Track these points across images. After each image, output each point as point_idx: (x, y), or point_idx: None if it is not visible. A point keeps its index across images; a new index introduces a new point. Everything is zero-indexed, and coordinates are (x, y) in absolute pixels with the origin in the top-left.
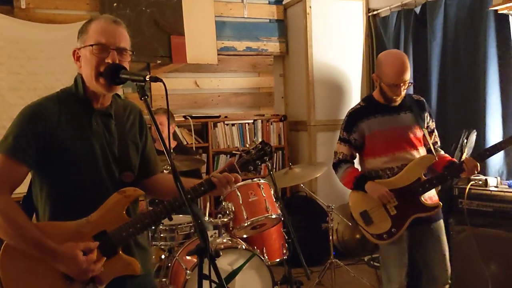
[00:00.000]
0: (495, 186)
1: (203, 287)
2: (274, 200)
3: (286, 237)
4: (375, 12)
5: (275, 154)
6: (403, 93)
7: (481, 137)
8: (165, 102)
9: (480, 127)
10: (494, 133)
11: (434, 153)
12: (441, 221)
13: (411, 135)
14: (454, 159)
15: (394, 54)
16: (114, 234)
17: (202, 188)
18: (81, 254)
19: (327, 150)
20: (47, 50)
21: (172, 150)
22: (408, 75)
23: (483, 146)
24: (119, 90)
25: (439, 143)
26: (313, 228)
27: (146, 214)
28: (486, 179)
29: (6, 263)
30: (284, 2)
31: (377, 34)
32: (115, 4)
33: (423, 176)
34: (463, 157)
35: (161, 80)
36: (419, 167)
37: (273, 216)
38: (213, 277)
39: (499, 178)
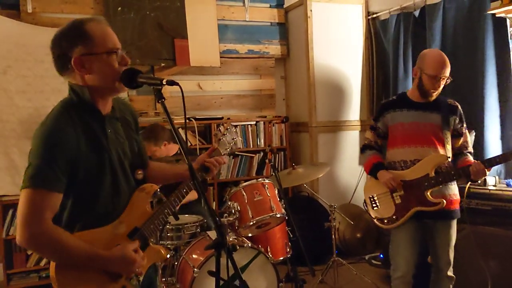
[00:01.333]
0: (493, 185)
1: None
2: (278, 199)
3: (291, 235)
4: (374, 15)
5: (277, 155)
6: (440, 89)
7: (480, 138)
8: (167, 105)
9: (479, 127)
10: (492, 134)
11: (460, 156)
12: (455, 221)
13: (432, 134)
14: (474, 162)
15: (437, 51)
16: (144, 228)
17: (200, 174)
18: (133, 253)
19: (328, 151)
20: None
21: (177, 153)
22: (448, 71)
23: (481, 146)
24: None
25: (469, 148)
26: (315, 227)
27: (164, 205)
28: (485, 179)
29: (61, 276)
30: (285, 6)
31: (377, 37)
32: (119, 8)
33: (433, 173)
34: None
35: (177, 84)
36: (429, 164)
37: (278, 215)
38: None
39: (497, 177)
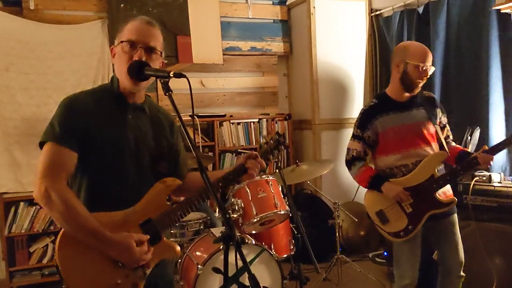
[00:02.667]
0: (498, 182)
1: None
2: (282, 196)
3: (296, 232)
4: (378, 12)
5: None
6: (425, 79)
7: (485, 134)
8: (167, 102)
9: (483, 124)
10: (497, 130)
11: (446, 146)
12: (455, 215)
13: (424, 131)
14: (466, 149)
15: (417, 42)
16: (158, 221)
17: (231, 177)
18: (135, 244)
19: (331, 148)
20: (56, 50)
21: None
22: (431, 59)
23: (486, 142)
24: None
25: (451, 136)
26: (318, 225)
27: (184, 201)
28: (490, 175)
29: (63, 251)
30: (288, 3)
31: (380, 34)
32: (122, 5)
33: (437, 173)
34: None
35: (185, 76)
36: (432, 164)
37: (282, 212)
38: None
39: (502, 174)
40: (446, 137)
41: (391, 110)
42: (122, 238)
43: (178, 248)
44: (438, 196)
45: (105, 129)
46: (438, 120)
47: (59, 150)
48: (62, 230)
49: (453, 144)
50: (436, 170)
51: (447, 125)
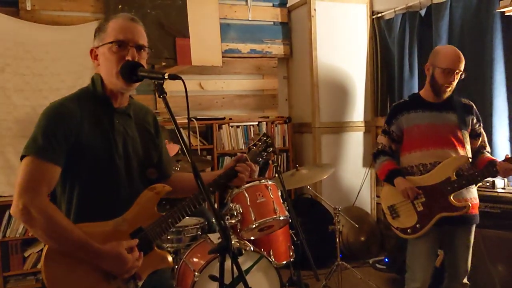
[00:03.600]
0: (502, 188)
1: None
2: (282, 201)
3: (295, 239)
4: (379, 15)
5: (280, 156)
6: (454, 83)
7: (488, 139)
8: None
9: (487, 128)
10: (501, 134)
11: (478, 155)
12: (474, 226)
13: (450, 134)
14: (495, 159)
15: (451, 46)
16: (149, 230)
17: (222, 181)
18: (126, 252)
19: (331, 152)
20: (52, 52)
21: (177, 153)
22: (463, 65)
23: (490, 146)
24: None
25: (487, 147)
26: (318, 230)
27: (175, 209)
28: (493, 181)
29: (49, 266)
30: (288, 5)
31: (381, 36)
32: (120, 6)
33: (454, 176)
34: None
35: (180, 78)
36: (450, 167)
37: (281, 218)
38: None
39: (506, 180)
40: (481, 147)
41: (419, 108)
42: (111, 248)
43: (170, 258)
44: (452, 200)
45: (94, 136)
46: (469, 128)
47: (40, 165)
48: (47, 246)
49: (487, 154)
50: (453, 173)
51: (483, 136)
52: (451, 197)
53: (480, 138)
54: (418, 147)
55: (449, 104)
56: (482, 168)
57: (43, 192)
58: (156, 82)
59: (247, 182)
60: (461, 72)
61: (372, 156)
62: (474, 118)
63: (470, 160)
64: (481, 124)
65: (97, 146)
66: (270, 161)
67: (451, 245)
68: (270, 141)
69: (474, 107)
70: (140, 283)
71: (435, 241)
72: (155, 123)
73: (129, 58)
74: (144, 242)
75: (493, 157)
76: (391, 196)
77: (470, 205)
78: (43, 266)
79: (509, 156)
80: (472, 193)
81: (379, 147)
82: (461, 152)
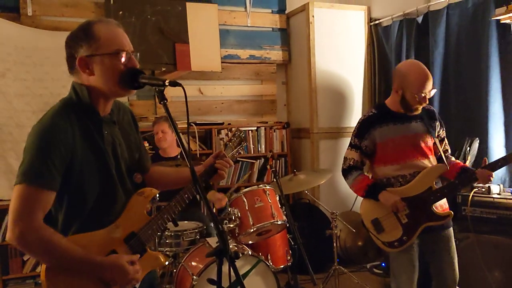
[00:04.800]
0: (498, 194)
1: None
2: (280, 206)
3: (292, 243)
4: (377, 22)
5: (278, 161)
6: (424, 104)
7: (484, 145)
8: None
9: (483, 135)
10: (497, 141)
11: (445, 160)
12: (451, 229)
13: (422, 144)
14: (467, 165)
15: (416, 64)
16: (142, 234)
17: (203, 178)
18: (127, 264)
19: (329, 158)
20: (53, 57)
21: (178, 156)
22: (431, 84)
23: (485, 153)
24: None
25: (449, 150)
26: (315, 235)
27: (164, 210)
28: (489, 187)
29: (51, 281)
30: (287, 11)
31: (379, 43)
32: (120, 12)
33: (435, 185)
34: (466, 164)
35: (180, 85)
36: (430, 176)
37: (279, 222)
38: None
39: (502, 185)
40: (445, 151)
41: (390, 121)
42: (113, 260)
43: (163, 257)
44: (435, 209)
45: (87, 151)
46: (436, 133)
47: (35, 192)
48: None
49: (453, 159)
50: (434, 183)
51: (446, 139)
52: (433, 207)
53: (444, 142)
54: (395, 160)
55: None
56: (461, 176)
57: (38, 218)
58: (157, 89)
59: (245, 187)
60: (431, 89)
61: (343, 173)
62: (438, 123)
63: (448, 167)
64: (444, 128)
65: (91, 161)
66: (269, 166)
67: (433, 253)
68: (243, 135)
69: (436, 111)
70: (137, 285)
71: (417, 250)
72: (133, 118)
73: (130, 65)
74: (138, 245)
75: (460, 162)
76: (373, 210)
77: (452, 213)
78: (46, 282)
79: (487, 161)
80: (443, 199)
81: (351, 162)
82: (432, 159)
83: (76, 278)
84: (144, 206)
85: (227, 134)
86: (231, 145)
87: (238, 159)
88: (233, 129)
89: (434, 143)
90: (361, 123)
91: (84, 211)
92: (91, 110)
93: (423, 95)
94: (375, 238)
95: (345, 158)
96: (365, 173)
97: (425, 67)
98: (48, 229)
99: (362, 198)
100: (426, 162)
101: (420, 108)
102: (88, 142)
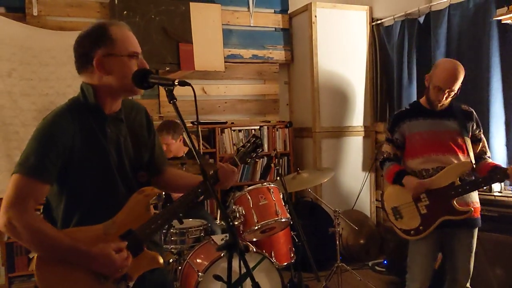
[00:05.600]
0: (499, 192)
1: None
2: (283, 204)
3: (296, 240)
4: (379, 22)
5: (281, 160)
6: (446, 101)
7: None
8: (171, 108)
9: (484, 134)
10: (498, 141)
11: (480, 160)
12: (476, 229)
13: (450, 141)
14: (498, 164)
15: (451, 62)
16: (139, 232)
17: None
18: (114, 253)
19: (331, 156)
20: (58, 57)
21: (184, 155)
22: (457, 86)
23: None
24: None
25: (488, 153)
26: (318, 232)
27: (165, 210)
28: (490, 185)
29: (42, 271)
30: (289, 11)
31: (381, 43)
32: (125, 12)
33: (458, 181)
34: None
35: (189, 84)
36: (454, 172)
37: (283, 220)
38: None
39: (503, 183)
40: (482, 153)
41: (420, 116)
42: (99, 250)
43: (161, 259)
44: (455, 204)
45: (87, 149)
46: (470, 134)
47: (29, 183)
48: (37, 254)
49: (489, 160)
50: (457, 179)
51: (484, 142)
52: (454, 202)
53: (481, 144)
54: (420, 153)
55: (449, 111)
56: (486, 174)
57: (30, 208)
58: (166, 89)
59: (249, 186)
60: (454, 92)
61: (379, 164)
62: (474, 124)
63: (474, 166)
64: (481, 130)
65: (91, 158)
66: (272, 165)
67: (452, 248)
68: (259, 142)
69: (474, 113)
70: (131, 284)
71: (436, 243)
72: (147, 120)
73: (140, 66)
74: (134, 243)
75: (495, 163)
76: (395, 197)
77: (473, 209)
78: (36, 272)
79: None
80: (474, 197)
81: (385, 155)
82: (462, 157)
83: (68, 269)
84: (143, 204)
85: (242, 139)
86: (243, 150)
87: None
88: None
89: (465, 144)
90: (393, 117)
91: (83, 205)
92: (96, 109)
93: (441, 91)
94: (392, 224)
95: (382, 152)
96: (398, 164)
97: (459, 68)
98: (37, 218)
99: (389, 185)
100: (452, 158)
101: (440, 106)
102: (90, 140)
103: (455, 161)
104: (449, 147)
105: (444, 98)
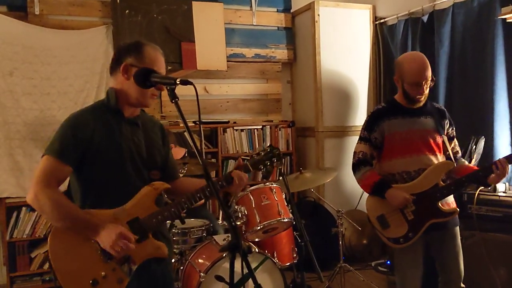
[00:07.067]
0: (503, 192)
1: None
2: (286, 204)
3: (299, 240)
4: (382, 21)
5: (283, 159)
6: (427, 91)
7: (489, 144)
8: (173, 108)
9: (488, 133)
10: (502, 139)
11: (455, 161)
12: (458, 227)
13: (431, 140)
14: (478, 168)
15: (412, 54)
16: (145, 220)
17: (220, 183)
18: (117, 233)
19: (334, 156)
20: (60, 56)
21: (184, 156)
22: (429, 72)
23: (491, 152)
24: None
25: (460, 152)
26: (321, 233)
27: (172, 204)
28: (494, 185)
29: (55, 241)
30: (292, 10)
31: (384, 42)
32: (127, 11)
33: (441, 182)
34: (472, 163)
35: (191, 83)
36: (437, 173)
37: (285, 220)
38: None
39: (507, 183)
40: (456, 152)
41: (399, 114)
42: (110, 224)
43: (166, 248)
44: (441, 206)
45: (105, 142)
46: (445, 131)
47: (54, 163)
48: (53, 227)
49: (466, 162)
50: (440, 180)
51: (456, 140)
52: (439, 203)
53: (454, 141)
54: (399, 154)
55: (425, 109)
56: (470, 174)
57: (53, 185)
58: (168, 88)
59: (251, 185)
60: (429, 80)
61: (353, 167)
62: (448, 121)
63: (455, 164)
64: (454, 128)
65: (107, 150)
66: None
67: (440, 250)
68: (277, 152)
69: (446, 111)
70: (134, 267)
71: (423, 248)
72: (162, 134)
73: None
74: (139, 230)
75: (473, 166)
76: (379, 206)
77: (458, 210)
78: (50, 240)
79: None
80: (451, 197)
81: (360, 156)
82: (440, 156)
83: (78, 244)
84: (153, 196)
85: (258, 148)
86: (257, 158)
87: (243, 157)
88: (264, 144)
89: (443, 142)
90: (370, 116)
91: (97, 191)
92: (116, 111)
93: (419, 85)
94: (380, 234)
95: (354, 153)
96: (374, 170)
97: (422, 56)
98: (59, 192)
99: (368, 194)
100: (433, 158)
101: (423, 98)
102: (107, 135)
103: (435, 161)
104: (430, 146)
105: (425, 90)
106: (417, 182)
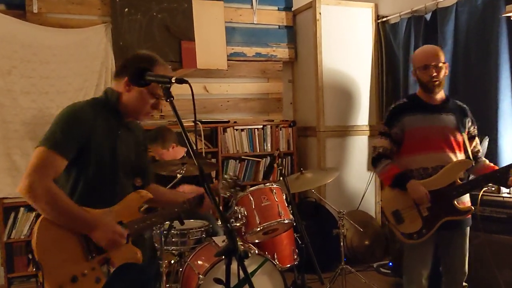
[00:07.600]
0: (508, 193)
1: None
2: (286, 205)
3: (300, 242)
4: (384, 19)
5: (284, 159)
6: (441, 76)
7: (493, 144)
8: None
9: (492, 133)
10: (506, 139)
11: (474, 160)
12: (469, 228)
13: (451, 137)
14: (497, 167)
15: (427, 45)
16: (128, 225)
17: (194, 201)
18: (112, 231)
19: (336, 156)
20: (59, 54)
21: (185, 155)
22: (441, 58)
23: (495, 152)
24: None
25: (481, 151)
26: (322, 234)
27: (154, 214)
28: (499, 186)
29: (42, 232)
30: (293, 9)
31: (387, 40)
32: (126, 9)
33: (459, 180)
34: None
35: (187, 82)
36: (455, 171)
37: (286, 221)
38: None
39: None
40: (476, 151)
41: (419, 110)
42: (106, 220)
43: (140, 254)
44: (456, 204)
45: (102, 139)
46: (466, 130)
47: (52, 155)
48: (42, 217)
49: (487, 162)
50: (458, 178)
51: (477, 138)
52: (455, 201)
53: (475, 140)
54: (418, 150)
55: (447, 105)
56: (487, 173)
57: (50, 175)
58: (163, 86)
59: (251, 186)
60: (441, 64)
61: (372, 161)
62: (469, 119)
63: (473, 163)
64: (476, 126)
65: (103, 150)
66: (275, 165)
67: (448, 249)
68: (240, 183)
69: (468, 109)
70: (112, 269)
71: (433, 246)
72: (143, 138)
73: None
74: None
75: (494, 165)
76: (395, 201)
77: (473, 208)
78: (37, 231)
79: None
80: (466, 196)
81: (380, 150)
82: (460, 155)
83: (63, 238)
84: (137, 203)
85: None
86: (226, 184)
87: (243, 157)
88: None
89: (463, 141)
90: (391, 111)
91: (86, 185)
92: (115, 110)
93: (427, 68)
94: (394, 229)
95: (374, 148)
96: (395, 163)
97: (433, 45)
98: (55, 185)
99: (385, 188)
100: (452, 156)
101: (437, 84)
102: (105, 134)
103: (454, 159)
104: (450, 144)
105: (435, 73)
106: (434, 179)
